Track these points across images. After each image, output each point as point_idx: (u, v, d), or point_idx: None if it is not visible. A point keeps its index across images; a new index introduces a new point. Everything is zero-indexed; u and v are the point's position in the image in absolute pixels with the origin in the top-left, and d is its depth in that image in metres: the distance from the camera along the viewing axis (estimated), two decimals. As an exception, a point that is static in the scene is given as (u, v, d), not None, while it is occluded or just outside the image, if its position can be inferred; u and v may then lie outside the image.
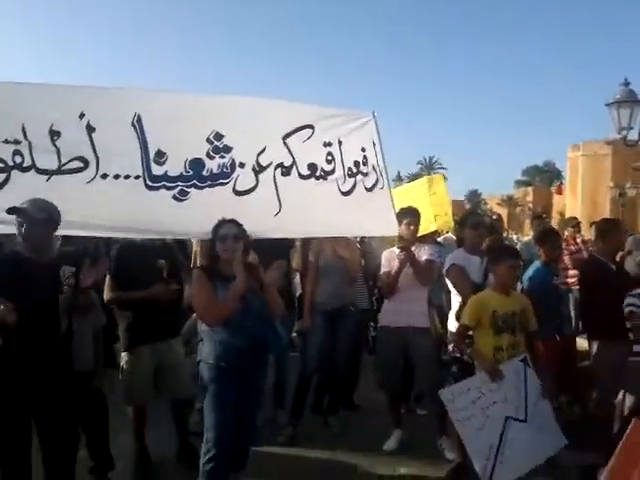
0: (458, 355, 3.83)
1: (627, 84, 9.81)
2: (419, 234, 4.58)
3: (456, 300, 4.08)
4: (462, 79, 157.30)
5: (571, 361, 4.52)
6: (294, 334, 5.39)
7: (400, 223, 4.37)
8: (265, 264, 3.57)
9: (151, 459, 3.86)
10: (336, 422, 4.70)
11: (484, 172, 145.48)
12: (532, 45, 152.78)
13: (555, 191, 51.63)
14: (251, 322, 3.12)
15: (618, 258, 5.41)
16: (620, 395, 3.93)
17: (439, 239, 6.52)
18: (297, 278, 5.21)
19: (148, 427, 3.91)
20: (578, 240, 7.33)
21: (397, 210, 4.57)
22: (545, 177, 68.32)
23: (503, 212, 48.56)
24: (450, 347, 4.00)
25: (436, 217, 5.94)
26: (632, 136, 10.15)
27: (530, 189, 57.73)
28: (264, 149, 3.71)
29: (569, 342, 4.60)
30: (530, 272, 4.47)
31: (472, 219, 4.40)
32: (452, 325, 4.06)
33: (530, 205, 49.18)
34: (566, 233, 7.46)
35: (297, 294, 5.13)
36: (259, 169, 3.69)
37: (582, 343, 4.57)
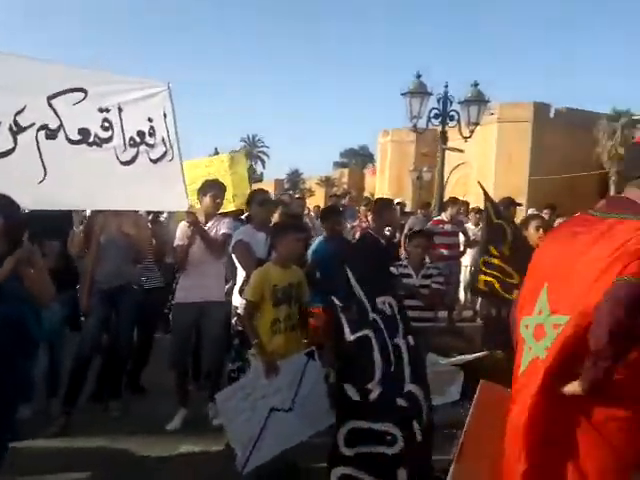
0: (240, 329, 3.88)
1: (419, 76, 10.86)
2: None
3: (241, 275, 4.13)
4: (288, 63, 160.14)
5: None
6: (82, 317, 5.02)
7: (205, 195, 4.28)
8: (39, 243, 3.29)
9: None
10: (117, 406, 4.45)
11: (306, 153, 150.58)
12: (348, 31, 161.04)
13: (371, 172, 55.31)
14: (5, 307, 2.79)
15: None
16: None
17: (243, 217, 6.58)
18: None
19: None
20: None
21: (201, 183, 4.46)
22: (360, 160, 72.98)
23: (321, 191, 50.93)
24: (233, 321, 4.04)
25: (234, 197, 5.97)
26: (421, 124, 11.42)
27: (346, 171, 61.03)
28: (24, 108, 3.36)
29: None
30: (313, 246, 4.74)
31: (259, 197, 4.50)
32: (236, 299, 4.10)
33: (345, 186, 52.15)
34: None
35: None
36: (17, 130, 3.35)
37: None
